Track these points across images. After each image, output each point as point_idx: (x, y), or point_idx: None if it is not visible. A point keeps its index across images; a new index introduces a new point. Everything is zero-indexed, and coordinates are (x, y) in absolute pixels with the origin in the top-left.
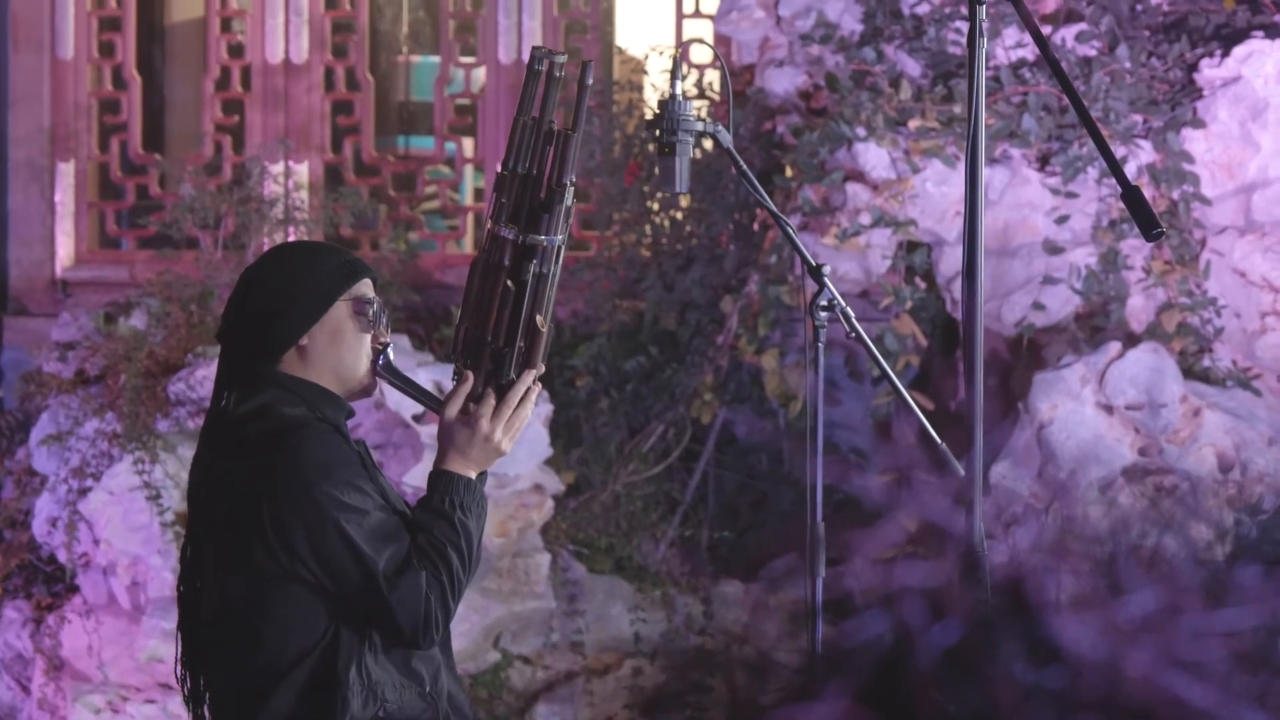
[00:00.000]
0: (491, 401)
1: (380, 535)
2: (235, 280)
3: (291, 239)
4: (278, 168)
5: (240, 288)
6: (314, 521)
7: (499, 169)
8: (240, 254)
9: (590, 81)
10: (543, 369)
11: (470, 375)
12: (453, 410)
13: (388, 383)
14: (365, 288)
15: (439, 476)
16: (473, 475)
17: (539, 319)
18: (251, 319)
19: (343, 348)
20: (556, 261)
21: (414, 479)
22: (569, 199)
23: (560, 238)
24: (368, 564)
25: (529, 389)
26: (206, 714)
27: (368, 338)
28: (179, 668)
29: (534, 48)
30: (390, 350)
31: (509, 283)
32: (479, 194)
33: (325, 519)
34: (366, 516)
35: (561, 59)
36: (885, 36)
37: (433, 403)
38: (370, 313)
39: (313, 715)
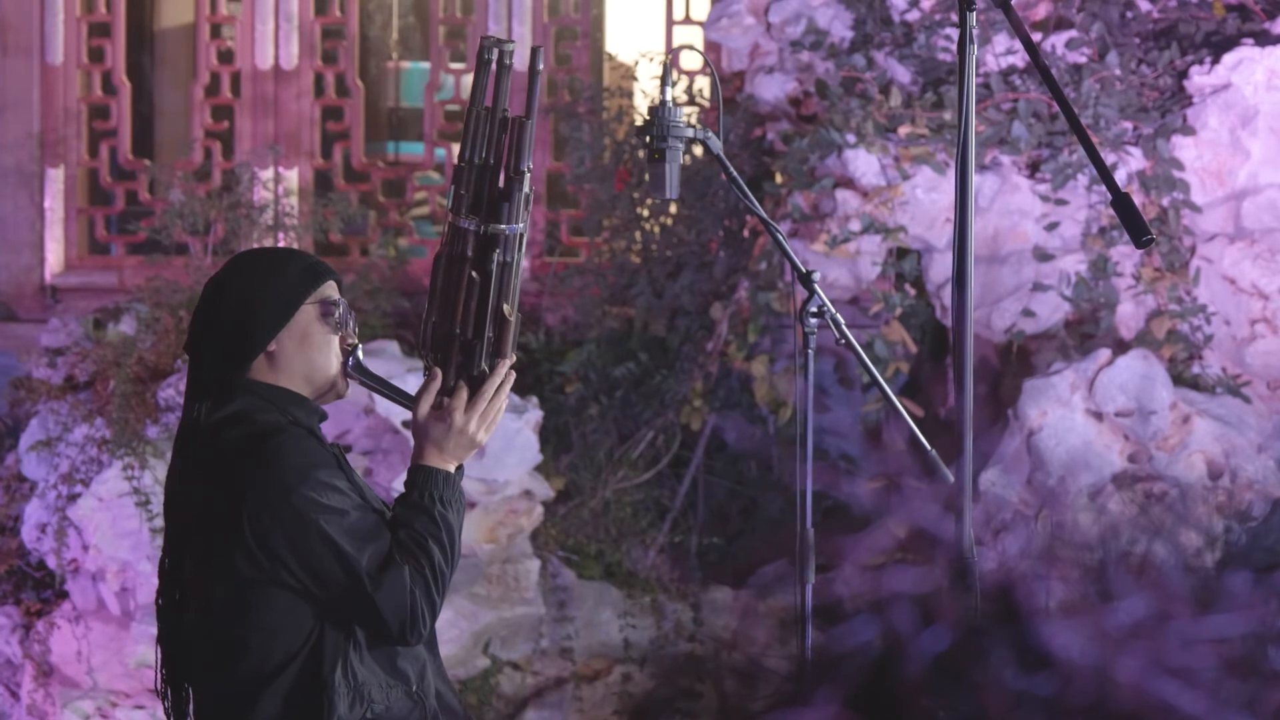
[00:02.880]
0: (464, 394)
1: (361, 534)
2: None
3: (281, 244)
4: (267, 173)
5: (206, 298)
6: (294, 525)
7: (458, 161)
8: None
9: (540, 67)
10: (514, 358)
11: (439, 372)
12: (424, 407)
13: (359, 383)
14: (330, 289)
15: (417, 472)
16: (451, 469)
17: (506, 308)
18: (219, 328)
19: (312, 350)
20: (519, 249)
21: (401, 483)
22: (528, 186)
23: (521, 225)
24: (350, 563)
25: (504, 379)
26: None
27: (336, 339)
28: (159, 681)
29: (483, 38)
30: (359, 350)
31: (474, 273)
32: None
33: (305, 521)
34: (345, 516)
35: (510, 47)
36: (875, 43)
37: (405, 400)
38: (337, 314)
39: (300, 719)
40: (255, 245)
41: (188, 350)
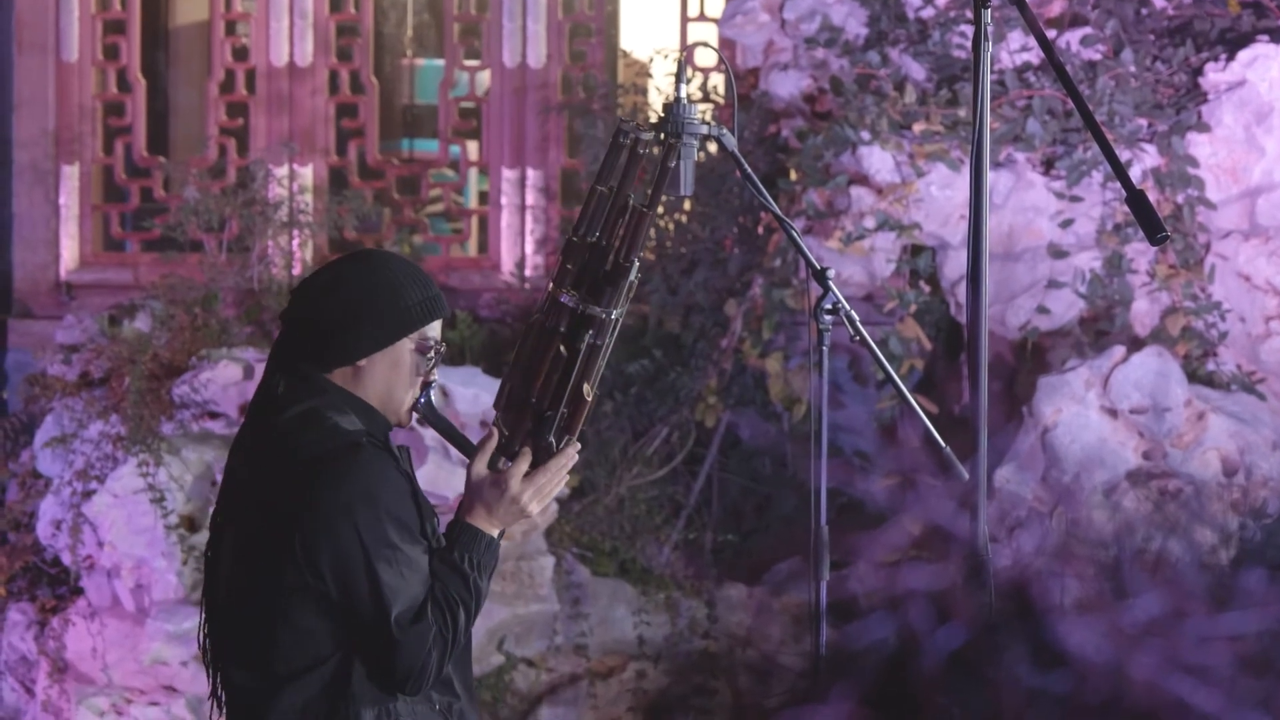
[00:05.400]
0: (525, 463)
1: (407, 578)
2: (237, 278)
3: (296, 242)
4: (282, 171)
5: (321, 284)
6: (344, 547)
7: (570, 235)
8: (244, 257)
9: (673, 165)
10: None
11: (495, 433)
12: (480, 465)
13: (426, 421)
14: (435, 329)
15: (462, 530)
16: (494, 534)
17: (586, 387)
18: (322, 323)
19: (396, 381)
20: (612, 334)
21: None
22: (634, 275)
23: (619, 311)
24: (384, 604)
25: (568, 460)
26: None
27: (420, 378)
28: (201, 635)
29: (622, 121)
30: (432, 391)
31: (562, 349)
32: (483, 197)
33: (356, 547)
34: (398, 554)
35: (647, 137)
36: (890, 40)
37: (467, 448)
38: (430, 356)
39: None
40: (270, 242)
41: (283, 317)
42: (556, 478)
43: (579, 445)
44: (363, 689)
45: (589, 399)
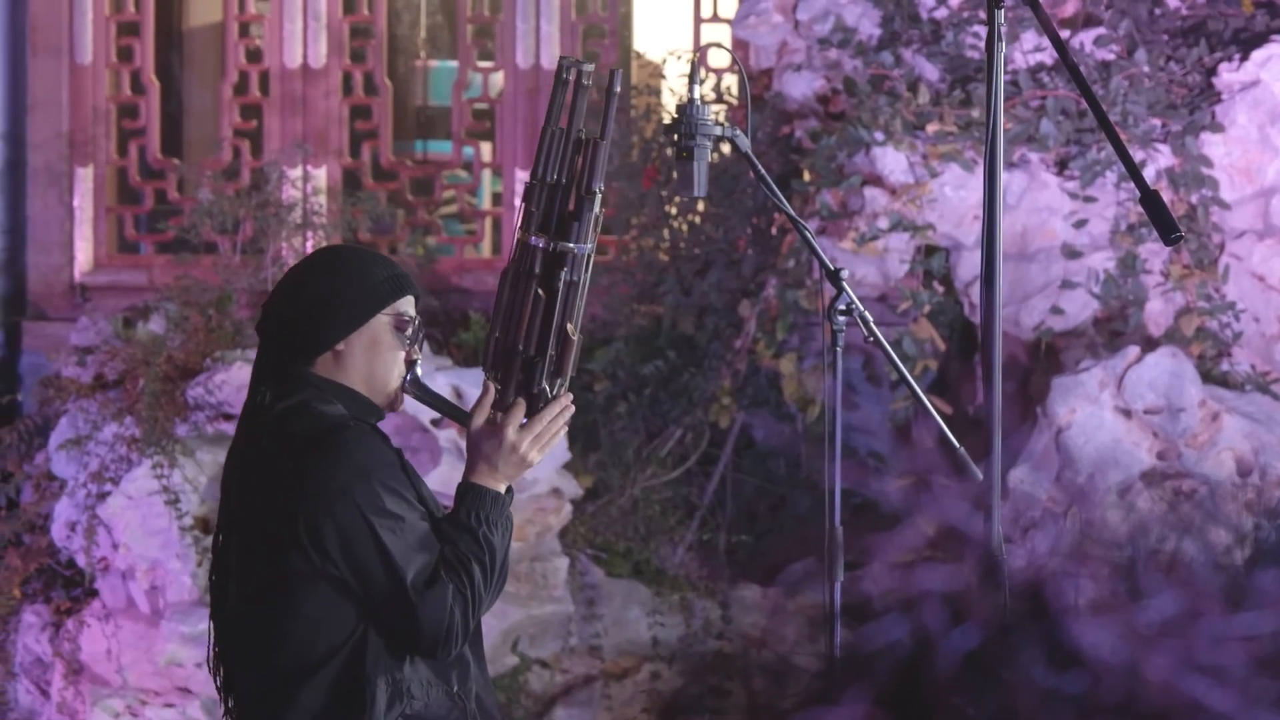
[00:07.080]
0: (519, 412)
1: (413, 544)
2: (251, 280)
3: (309, 244)
4: (296, 172)
5: (286, 285)
6: (348, 524)
7: (528, 178)
8: (258, 259)
9: (618, 89)
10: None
11: (491, 386)
12: (478, 421)
13: (416, 398)
14: (408, 304)
15: (467, 490)
16: (501, 489)
17: (570, 327)
18: (293, 318)
19: (376, 359)
20: (586, 269)
21: (430, 483)
22: (598, 206)
23: (590, 245)
24: (398, 572)
25: (565, 406)
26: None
27: (402, 354)
28: (211, 656)
29: (561, 57)
30: (419, 367)
31: (540, 291)
32: (497, 198)
33: (360, 522)
34: (401, 523)
35: (589, 68)
36: (903, 40)
37: (462, 417)
38: (409, 330)
39: (340, 714)
40: (284, 244)
41: (259, 329)
42: (554, 424)
43: (571, 395)
44: (376, 668)
45: (574, 338)
